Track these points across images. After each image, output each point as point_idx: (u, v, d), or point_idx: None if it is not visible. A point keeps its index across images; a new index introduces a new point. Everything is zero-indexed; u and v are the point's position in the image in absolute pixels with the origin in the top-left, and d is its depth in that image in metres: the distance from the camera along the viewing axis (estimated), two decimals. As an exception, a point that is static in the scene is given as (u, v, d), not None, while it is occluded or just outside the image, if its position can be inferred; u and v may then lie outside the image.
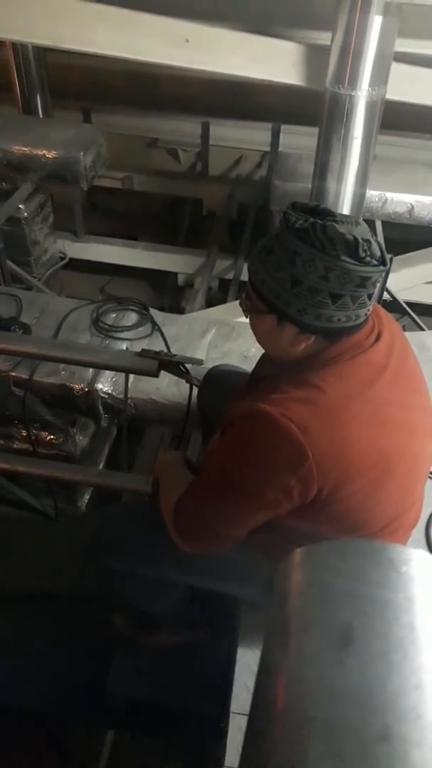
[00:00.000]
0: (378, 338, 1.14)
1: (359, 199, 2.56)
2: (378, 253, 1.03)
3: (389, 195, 3.05)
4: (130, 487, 2.01)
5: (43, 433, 2.33)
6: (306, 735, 0.48)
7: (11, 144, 3.04)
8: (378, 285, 1.08)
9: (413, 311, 3.28)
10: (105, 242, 3.96)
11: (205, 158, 4.10)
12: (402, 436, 1.13)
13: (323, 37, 2.26)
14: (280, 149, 3.77)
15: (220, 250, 3.83)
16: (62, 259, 3.68)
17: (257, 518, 1.17)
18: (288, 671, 0.53)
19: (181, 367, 1.73)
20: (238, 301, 1.21)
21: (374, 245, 1.03)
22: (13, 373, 2.10)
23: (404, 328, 2.90)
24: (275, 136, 3.81)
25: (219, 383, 1.71)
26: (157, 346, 2.17)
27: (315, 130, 2.44)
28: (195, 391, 1.80)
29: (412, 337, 1.57)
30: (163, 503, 1.30)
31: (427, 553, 0.59)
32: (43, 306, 2.40)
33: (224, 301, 3.55)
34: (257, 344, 1.22)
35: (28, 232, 3.21)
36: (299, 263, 1.02)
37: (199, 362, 1.77)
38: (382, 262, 1.03)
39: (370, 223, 2.75)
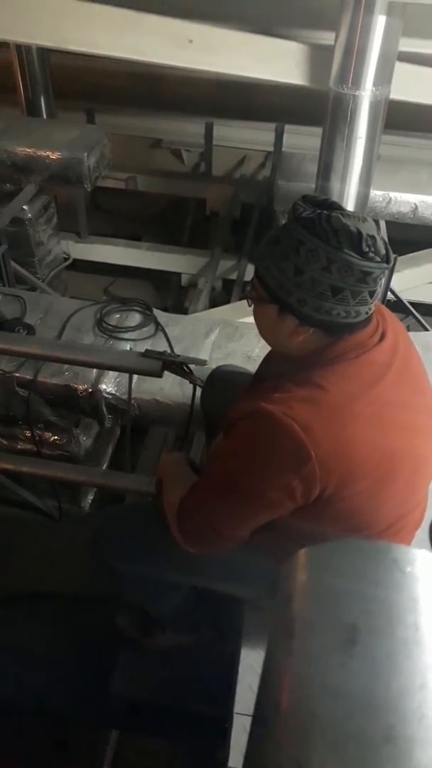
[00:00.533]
0: (382, 338, 1.14)
1: (363, 198, 2.55)
2: (383, 251, 1.03)
3: (393, 195, 3.04)
4: (134, 487, 2.01)
5: (47, 434, 2.33)
6: (310, 735, 0.48)
7: (15, 145, 3.04)
8: (381, 284, 1.08)
9: (417, 311, 3.27)
10: (108, 243, 3.96)
11: (209, 158, 4.10)
12: (406, 437, 1.13)
13: (327, 37, 2.26)
14: (283, 149, 3.77)
15: (224, 251, 3.83)
16: (66, 259, 3.68)
17: (260, 518, 1.17)
18: (292, 672, 0.53)
19: (185, 368, 1.73)
20: (241, 302, 1.22)
21: (379, 242, 1.03)
22: (17, 374, 2.10)
23: (408, 328, 2.90)
24: (279, 136, 3.80)
25: (222, 384, 1.71)
26: (161, 346, 2.16)
27: (319, 130, 2.44)
28: (198, 391, 1.80)
29: (416, 337, 1.57)
30: (167, 504, 1.30)
31: (431, 554, 0.59)
32: (47, 307, 2.40)
33: (228, 302, 3.54)
34: (261, 345, 1.22)
35: (32, 233, 3.21)
36: (303, 253, 1.03)
37: (203, 363, 1.77)
38: (386, 260, 1.03)
39: (374, 223, 2.74)
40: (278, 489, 1.08)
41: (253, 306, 1.17)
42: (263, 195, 4.00)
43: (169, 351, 2.05)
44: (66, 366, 2.09)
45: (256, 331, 1.23)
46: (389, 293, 3.03)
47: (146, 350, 1.75)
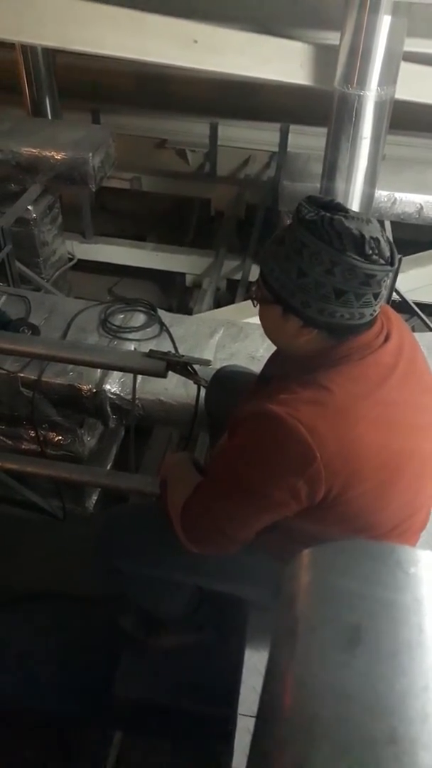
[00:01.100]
0: (387, 339, 1.14)
1: (368, 199, 2.55)
2: (387, 253, 1.02)
3: (398, 195, 3.04)
4: (138, 488, 2.01)
5: (51, 434, 2.33)
6: (313, 737, 0.48)
7: (20, 145, 3.05)
8: (385, 286, 1.08)
9: (422, 312, 3.26)
10: (113, 243, 3.97)
11: (214, 159, 4.10)
12: (411, 438, 1.12)
13: (332, 37, 2.26)
14: (288, 149, 3.77)
15: (228, 251, 3.83)
16: (71, 260, 3.69)
17: (265, 519, 1.16)
18: (295, 673, 0.53)
19: (189, 368, 1.73)
20: (246, 302, 1.22)
21: (383, 244, 1.02)
22: (22, 374, 2.11)
23: (413, 329, 2.89)
24: (284, 136, 3.81)
25: (227, 384, 1.71)
26: (165, 346, 2.17)
27: (324, 131, 2.44)
28: (203, 392, 1.80)
29: (422, 337, 1.56)
30: (171, 504, 1.30)
31: (435, 555, 0.59)
32: (52, 307, 2.40)
33: (232, 302, 3.54)
34: (265, 345, 1.22)
35: (37, 233, 3.22)
36: (306, 255, 1.02)
37: (207, 363, 1.77)
38: (391, 262, 1.03)
39: (379, 224, 2.74)
40: (283, 490, 1.07)
41: (258, 306, 1.17)
42: (268, 195, 4.01)
43: (173, 351, 2.05)
44: (70, 366, 2.10)
45: (260, 331, 1.23)
46: (394, 294, 3.03)
47: (150, 350, 1.75)
